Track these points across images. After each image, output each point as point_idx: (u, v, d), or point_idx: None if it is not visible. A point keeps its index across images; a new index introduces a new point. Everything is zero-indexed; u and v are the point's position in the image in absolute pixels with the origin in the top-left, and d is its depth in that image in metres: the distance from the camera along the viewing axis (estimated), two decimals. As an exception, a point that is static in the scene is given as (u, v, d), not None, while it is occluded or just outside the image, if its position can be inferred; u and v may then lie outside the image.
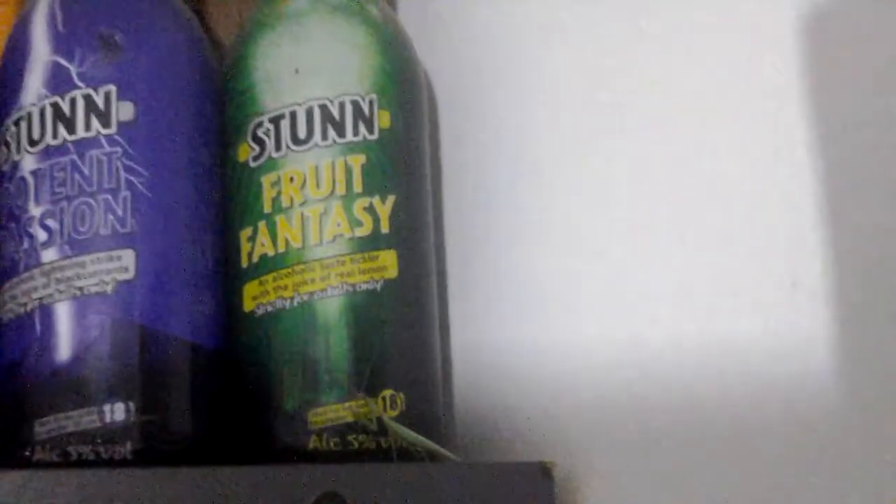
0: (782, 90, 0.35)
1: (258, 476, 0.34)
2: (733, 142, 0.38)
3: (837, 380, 0.35)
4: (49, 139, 0.38)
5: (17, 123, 0.38)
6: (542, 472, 0.37)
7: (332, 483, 0.35)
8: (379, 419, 0.37)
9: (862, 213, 0.34)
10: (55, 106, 0.38)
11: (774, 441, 0.37)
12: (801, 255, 0.36)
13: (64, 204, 0.38)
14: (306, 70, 0.40)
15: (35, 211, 0.38)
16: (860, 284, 0.35)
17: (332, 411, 0.38)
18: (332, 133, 0.40)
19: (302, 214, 0.39)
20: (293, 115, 0.40)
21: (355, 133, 0.40)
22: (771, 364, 0.37)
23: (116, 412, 0.36)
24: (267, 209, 0.39)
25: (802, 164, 0.35)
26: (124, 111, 0.38)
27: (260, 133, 0.40)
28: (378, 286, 0.39)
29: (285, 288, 0.39)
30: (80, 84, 0.38)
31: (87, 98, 0.38)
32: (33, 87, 0.38)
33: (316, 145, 0.39)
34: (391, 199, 0.40)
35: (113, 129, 0.38)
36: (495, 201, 0.44)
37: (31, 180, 0.38)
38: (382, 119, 0.40)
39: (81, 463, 0.36)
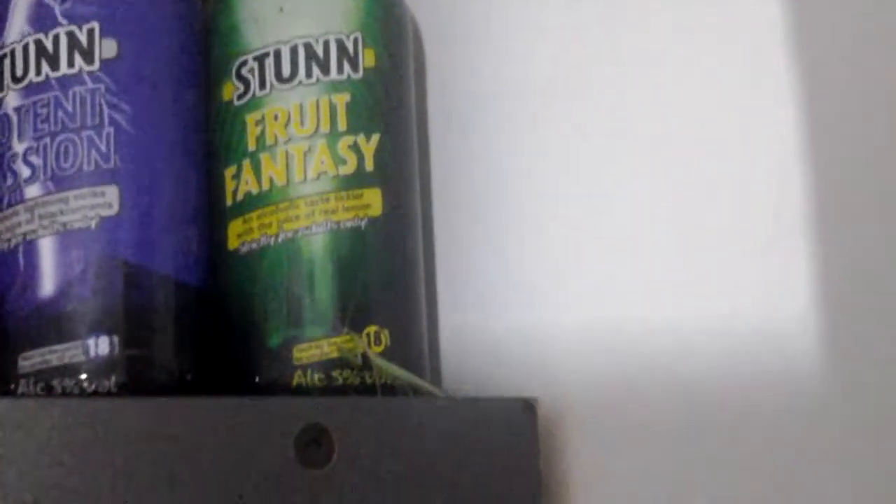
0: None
1: (243, 407, 0.34)
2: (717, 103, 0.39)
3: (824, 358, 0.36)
4: (32, 76, 0.38)
5: (0, 61, 0.38)
6: (526, 408, 0.38)
7: (317, 415, 0.35)
8: (364, 354, 0.38)
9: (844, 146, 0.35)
10: (38, 43, 0.38)
11: (762, 417, 0.37)
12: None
13: (47, 140, 0.37)
14: (291, 8, 0.40)
15: (18, 147, 0.38)
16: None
17: (317, 347, 0.38)
18: (316, 71, 0.39)
19: (286, 152, 0.39)
20: (278, 54, 0.39)
21: (340, 71, 0.40)
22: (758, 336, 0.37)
23: (101, 346, 0.36)
24: (251, 147, 0.39)
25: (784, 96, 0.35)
26: (107, 48, 0.38)
27: (244, 72, 0.40)
28: (362, 224, 0.39)
29: (270, 225, 0.39)
30: (63, 21, 0.38)
31: (71, 35, 0.38)
32: (17, 25, 0.38)
33: (300, 83, 0.39)
34: (375, 137, 0.40)
35: (96, 66, 0.38)
36: (482, 154, 0.45)
37: (14, 117, 0.38)
38: (367, 57, 0.40)
39: (66, 395, 0.36)
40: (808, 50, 0.36)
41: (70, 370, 0.36)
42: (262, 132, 0.39)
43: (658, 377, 0.39)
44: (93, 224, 0.37)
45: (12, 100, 0.38)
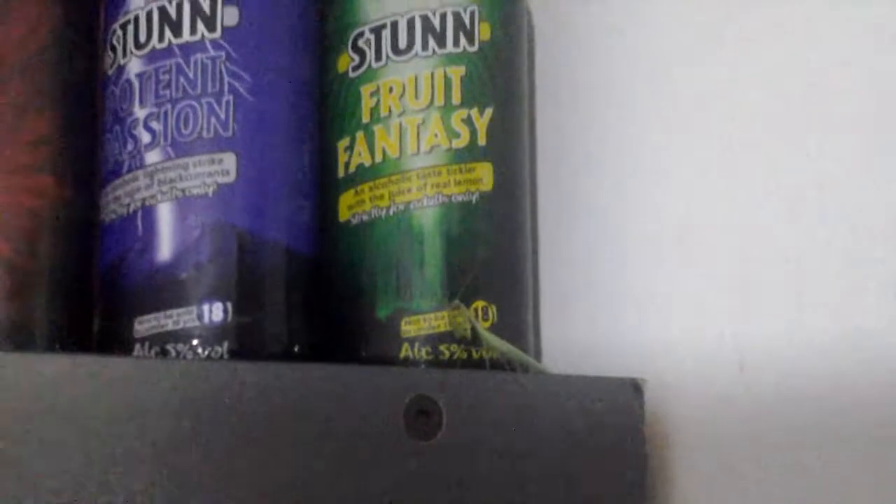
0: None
1: (353, 375, 0.35)
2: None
3: None
4: (155, 42, 0.38)
5: (123, 27, 0.39)
6: (634, 388, 0.38)
7: (427, 386, 0.35)
8: (473, 329, 0.38)
9: None
10: (162, 9, 0.38)
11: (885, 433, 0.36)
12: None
13: (168, 107, 0.38)
14: (409, -19, 0.40)
15: (140, 113, 0.38)
16: None
17: (425, 320, 0.38)
18: (432, 43, 0.39)
19: (400, 125, 0.39)
20: (395, 25, 0.40)
21: (455, 44, 0.40)
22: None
23: (214, 312, 0.37)
24: (365, 119, 0.40)
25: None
26: (229, 16, 0.38)
27: (360, 43, 0.40)
28: (473, 198, 0.39)
29: (381, 197, 0.39)
30: (186, -12, 0.38)
31: (194, 2, 0.38)
32: (141, -9, 0.39)
33: (416, 55, 0.39)
34: (489, 111, 0.40)
35: (217, 34, 0.38)
36: (588, 134, 0.44)
37: (136, 83, 0.38)
38: (483, 31, 0.40)
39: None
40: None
41: (184, 335, 0.37)
42: (377, 104, 0.40)
43: (769, 373, 0.38)
44: (210, 191, 0.38)
45: (135, 66, 0.38)
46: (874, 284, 0.37)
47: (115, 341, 0.37)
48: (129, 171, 0.38)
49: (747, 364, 0.38)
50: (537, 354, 0.43)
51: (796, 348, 0.38)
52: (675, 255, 0.42)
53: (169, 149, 0.38)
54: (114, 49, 0.39)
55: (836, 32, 0.38)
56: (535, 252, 0.44)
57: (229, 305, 0.37)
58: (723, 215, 0.40)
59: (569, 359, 0.42)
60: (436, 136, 0.39)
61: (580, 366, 0.41)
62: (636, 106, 0.43)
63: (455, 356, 0.38)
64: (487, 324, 0.39)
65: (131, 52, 0.39)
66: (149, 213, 0.38)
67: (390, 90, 0.40)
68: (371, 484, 0.34)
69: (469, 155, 0.39)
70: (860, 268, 0.37)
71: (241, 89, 0.38)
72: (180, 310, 0.37)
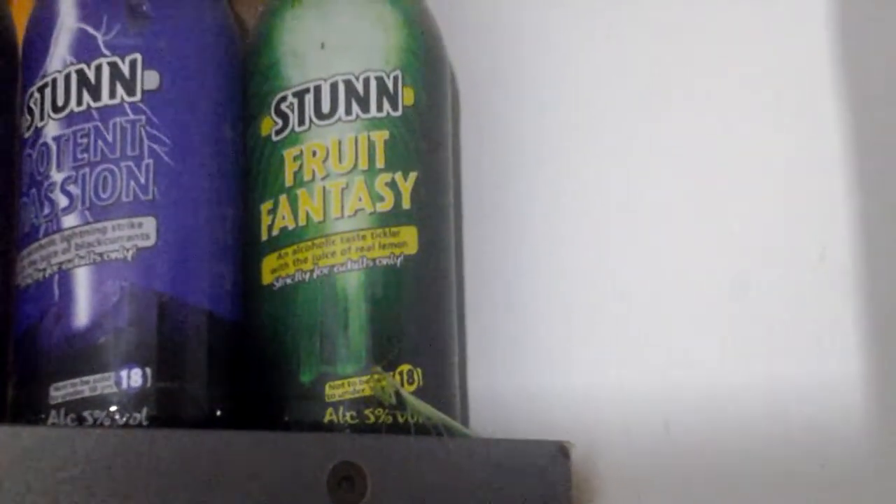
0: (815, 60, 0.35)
1: (276, 442, 0.34)
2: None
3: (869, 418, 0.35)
4: (73, 105, 0.38)
5: (41, 90, 0.38)
6: (560, 452, 0.37)
7: (350, 453, 0.34)
8: (397, 393, 0.37)
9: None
10: (80, 73, 0.38)
11: (804, 475, 0.36)
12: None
13: (86, 170, 0.37)
14: (332, 45, 0.40)
15: (57, 176, 0.38)
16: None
17: (350, 384, 0.38)
18: (356, 108, 0.39)
19: (324, 188, 0.39)
20: (317, 90, 0.39)
21: (379, 109, 0.40)
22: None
23: (133, 378, 0.36)
24: (288, 182, 0.39)
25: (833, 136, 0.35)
26: (149, 80, 0.38)
27: (283, 107, 0.40)
28: (398, 262, 0.39)
29: (305, 261, 0.39)
30: (106, 52, 0.38)
31: (113, 66, 0.38)
32: (59, 54, 0.38)
33: (340, 120, 0.39)
34: (413, 175, 0.40)
35: (137, 97, 0.38)
36: (513, 196, 0.45)
37: (53, 146, 0.38)
38: (406, 95, 0.40)
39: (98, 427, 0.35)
40: (855, 84, 0.36)
41: (101, 402, 0.36)
42: (300, 168, 0.39)
43: (695, 430, 0.38)
44: (129, 255, 0.37)
45: (52, 129, 0.38)
46: (790, 344, 0.37)
47: (29, 409, 0.37)
48: (46, 234, 0.37)
49: (672, 423, 0.39)
50: (464, 415, 0.42)
51: (720, 405, 0.38)
52: (603, 316, 0.42)
53: (87, 212, 0.37)
54: (31, 112, 0.39)
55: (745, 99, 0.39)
56: (461, 314, 0.44)
57: (149, 371, 0.36)
58: (649, 274, 0.40)
59: (496, 417, 0.42)
60: (360, 199, 0.39)
61: (508, 424, 0.40)
62: (565, 161, 0.43)
63: (380, 420, 0.38)
64: (413, 387, 0.38)
65: (49, 116, 0.38)
66: (66, 277, 0.37)
67: (314, 154, 0.40)
68: (294, 553, 0.34)
69: (394, 218, 0.39)
70: (777, 327, 0.38)
71: (162, 153, 0.38)
72: (97, 376, 0.36)
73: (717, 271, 0.39)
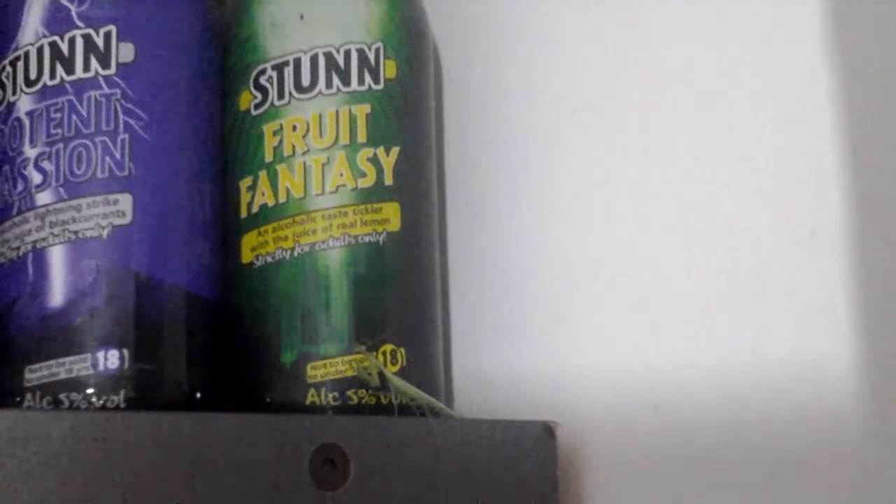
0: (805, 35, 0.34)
1: (257, 425, 0.33)
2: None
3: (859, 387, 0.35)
4: (46, 79, 0.37)
5: (13, 63, 0.37)
6: (546, 432, 0.37)
7: (333, 435, 0.34)
8: (381, 374, 0.36)
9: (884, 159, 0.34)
10: (53, 45, 0.37)
11: (793, 451, 0.36)
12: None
13: (60, 146, 0.36)
14: (312, 17, 0.39)
15: (30, 153, 0.37)
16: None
17: (332, 365, 0.37)
18: (336, 81, 0.39)
19: (304, 164, 0.38)
20: (297, 63, 0.38)
21: (360, 82, 0.39)
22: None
23: (110, 359, 0.35)
24: (268, 158, 0.38)
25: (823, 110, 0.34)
26: (124, 52, 0.37)
27: (262, 81, 0.39)
28: (380, 238, 0.38)
29: (285, 239, 0.38)
30: (79, 24, 0.37)
31: (87, 38, 0.37)
32: (31, 27, 0.37)
33: (320, 93, 0.38)
34: (395, 150, 0.39)
35: (112, 71, 0.37)
36: (498, 173, 0.44)
37: (26, 121, 0.37)
38: (388, 69, 0.39)
39: (74, 409, 0.35)
40: (848, 61, 0.35)
41: (77, 384, 0.35)
42: (280, 143, 0.38)
43: (684, 408, 0.38)
44: (105, 233, 0.36)
45: (25, 103, 0.37)
46: (781, 324, 0.37)
47: (4, 391, 0.36)
48: (20, 212, 0.36)
49: (660, 404, 0.38)
50: (449, 395, 0.42)
51: (708, 385, 0.38)
52: (589, 294, 0.41)
53: (61, 189, 0.36)
54: (3, 86, 0.37)
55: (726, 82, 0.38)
56: (445, 291, 0.43)
57: (126, 352, 0.36)
58: (637, 256, 0.40)
59: (482, 398, 0.41)
60: (341, 175, 0.38)
61: (494, 404, 0.40)
62: (550, 139, 0.42)
63: (363, 401, 0.37)
64: (396, 367, 0.38)
65: (21, 90, 0.37)
66: (40, 256, 0.36)
67: (294, 128, 0.39)
68: (276, 537, 0.33)
69: (376, 195, 0.38)
70: (768, 308, 0.37)
71: (138, 127, 0.37)
72: (74, 357, 0.35)
73: (705, 250, 0.38)
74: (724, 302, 0.38)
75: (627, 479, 0.38)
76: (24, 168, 0.37)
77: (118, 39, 0.37)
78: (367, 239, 0.38)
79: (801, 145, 0.36)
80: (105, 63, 0.37)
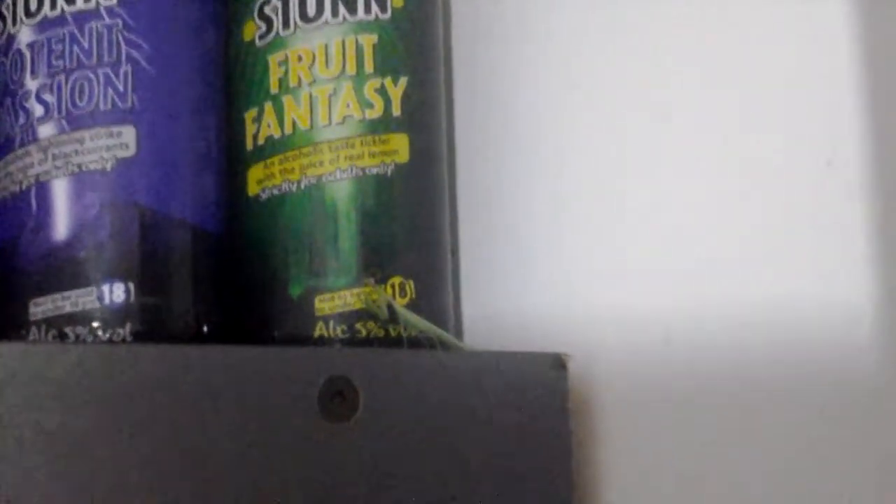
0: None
1: (265, 357, 0.33)
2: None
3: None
4: (47, 10, 0.36)
5: (12, -6, 0.37)
6: (557, 364, 0.36)
7: (342, 367, 0.33)
8: (390, 306, 0.36)
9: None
10: (53, -25, 0.36)
11: (807, 392, 0.35)
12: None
13: (62, 77, 0.36)
14: (316, -56, 0.38)
15: (31, 85, 0.36)
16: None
17: (340, 297, 0.37)
18: (342, 10, 0.38)
19: (310, 95, 0.38)
20: (302, -9, 0.38)
21: (367, 11, 0.38)
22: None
23: (116, 293, 0.35)
24: (273, 89, 0.38)
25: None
26: (126, -19, 0.36)
27: (267, 10, 0.38)
28: (388, 170, 0.38)
29: (292, 171, 0.37)
30: (79, -48, 0.36)
31: (87, -33, 0.36)
32: (30, -44, 0.37)
33: (326, 23, 0.38)
34: (403, 80, 0.38)
35: (114, 1, 0.36)
36: (509, 107, 0.43)
37: (27, 53, 0.36)
38: (396, -3, 0.39)
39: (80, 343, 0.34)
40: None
41: (83, 317, 0.35)
42: (286, 73, 0.38)
43: (695, 345, 0.37)
44: (108, 165, 0.36)
45: (25, 35, 0.36)
46: (795, 257, 0.36)
47: (9, 325, 0.35)
48: (22, 145, 0.36)
49: (672, 336, 0.38)
50: (458, 330, 0.41)
51: (719, 320, 0.37)
52: (600, 227, 0.41)
53: (63, 122, 0.36)
54: (3, 18, 0.37)
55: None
56: (454, 225, 0.43)
57: (131, 286, 0.35)
58: (646, 190, 0.39)
59: (491, 333, 0.41)
60: (348, 106, 0.38)
61: (502, 340, 0.39)
62: (562, 72, 0.41)
63: (372, 334, 0.37)
64: (405, 300, 0.37)
65: (21, 21, 0.36)
66: (43, 189, 0.36)
67: (299, 59, 0.38)
68: (285, 469, 0.33)
69: (383, 126, 0.38)
70: (782, 241, 0.37)
71: (140, 59, 0.36)
72: (79, 291, 0.35)
73: (717, 184, 0.38)
74: (738, 235, 0.37)
75: (638, 411, 0.38)
76: (26, 100, 0.36)
77: (119, -32, 0.36)
78: (374, 170, 0.37)
79: (817, 74, 0.35)
80: (106, -8, 0.36)
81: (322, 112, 0.38)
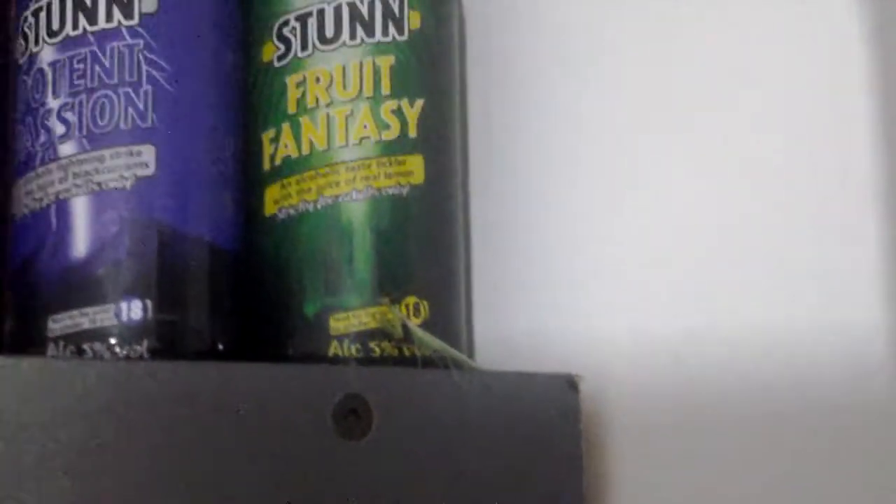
0: None
1: (280, 374, 0.33)
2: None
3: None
4: (69, 30, 0.37)
5: (35, 14, 0.37)
6: (569, 385, 0.37)
7: (356, 385, 0.34)
8: (404, 326, 0.36)
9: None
10: (76, -5, 0.37)
11: (820, 414, 0.36)
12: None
13: (83, 97, 0.36)
14: (335, -33, 0.39)
15: (53, 104, 0.37)
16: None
17: (355, 317, 0.37)
18: (360, 32, 0.38)
19: (328, 116, 0.38)
20: (321, 14, 0.38)
21: (385, 33, 0.38)
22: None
23: (133, 310, 0.35)
24: (291, 110, 0.38)
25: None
26: (147, 2, 0.37)
27: (286, 32, 0.39)
28: (404, 191, 0.38)
29: (309, 191, 0.38)
30: (101, -26, 0.37)
31: (109, -12, 0.37)
32: (53, -23, 0.37)
33: (344, 45, 0.38)
34: (419, 102, 0.39)
35: (135, 21, 0.37)
36: (522, 129, 0.43)
37: (49, 72, 0.37)
38: (413, 20, 0.39)
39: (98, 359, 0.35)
40: (881, 3, 0.35)
41: (101, 334, 0.35)
42: (303, 94, 0.38)
43: (705, 364, 0.38)
44: (128, 184, 0.36)
45: (47, 54, 0.37)
46: (802, 278, 0.36)
47: (27, 341, 0.36)
48: (43, 163, 0.36)
49: (682, 356, 0.38)
50: (470, 350, 0.42)
51: (729, 341, 0.37)
52: (612, 249, 0.41)
53: (84, 140, 0.36)
54: (25, 37, 0.37)
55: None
56: (467, 246, 0.43)
57: (149, 303, 0.36)
58: (657, 210, 0.40)
59: (504, 354, 0.41)
60: (365, 127, 0.38)
61: (515, 360, 0.40)
62: (573, 96, 0.42)
63: (386, 353, 0.37)
64: (419, 320, 0.38)
65: (44, 41, 0.37)
66: (63, 207, 0.36)
67: (317, 80, 0.38)
68: (300, 485, 0.33)
69: (399, 147, 0.38)
70: (789, 262, 0.37)
71: (161, 78, 0.37)
72: (97, 308, 0.35)
73: (733, 204, 0.38)
74: (748, 256, 0.38)
75: (649, 432, 0.38)
76: (47, 119, 0.36)
77: (141, -11, 0.37)
78: (390, 191, 0.38)
79: (832, 89, 0.35)
80: (128, 13, 0.36)
81: (339, 133, 0.38)
